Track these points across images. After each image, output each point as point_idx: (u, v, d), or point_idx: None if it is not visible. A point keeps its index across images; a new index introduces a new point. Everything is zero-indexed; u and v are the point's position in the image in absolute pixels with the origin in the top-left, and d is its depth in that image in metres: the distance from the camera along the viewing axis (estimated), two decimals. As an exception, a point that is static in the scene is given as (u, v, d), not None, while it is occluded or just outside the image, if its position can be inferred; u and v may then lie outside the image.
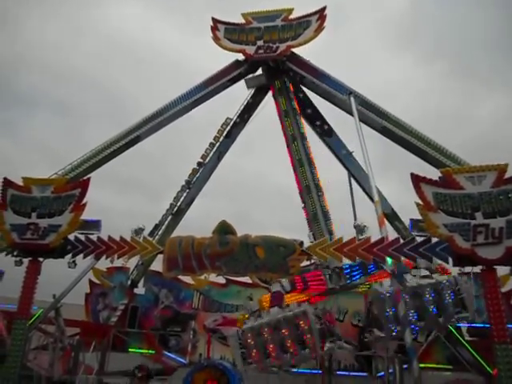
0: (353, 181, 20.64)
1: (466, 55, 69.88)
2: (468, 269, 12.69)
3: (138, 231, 16.06)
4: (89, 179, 14.11)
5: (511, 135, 57.74)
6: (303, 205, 20.12)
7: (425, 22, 71.43)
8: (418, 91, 64.62)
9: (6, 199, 13.43)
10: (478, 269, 11.75)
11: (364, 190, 19.14)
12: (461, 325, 17.29)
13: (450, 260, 11.67)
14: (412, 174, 11.73)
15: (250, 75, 21.29)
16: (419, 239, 12.14)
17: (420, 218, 11.81)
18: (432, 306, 12.55)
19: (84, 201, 13.42)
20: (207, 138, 22.77)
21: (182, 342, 21.52)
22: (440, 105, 65.44)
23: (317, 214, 19.45)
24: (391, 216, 18.93)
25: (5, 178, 13.90)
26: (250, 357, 12.62)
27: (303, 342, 12.87)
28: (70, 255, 13.65)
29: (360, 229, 15.36)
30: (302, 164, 20.17)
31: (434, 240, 11.77)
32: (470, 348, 15.53)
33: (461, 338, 16.49)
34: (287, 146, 20.77)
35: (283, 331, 12.91)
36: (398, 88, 67.15)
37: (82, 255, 13.62)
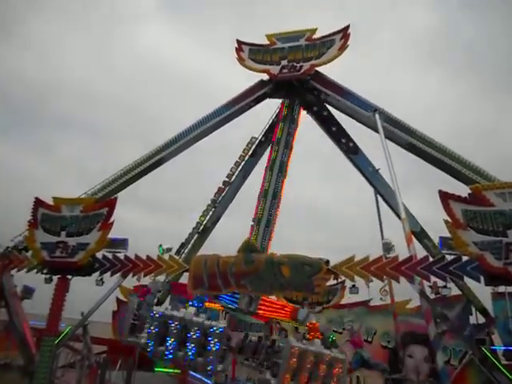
0: (380, 198, 20.34)
1: (495, 71, 68.86)
2: (502, 288, 12.27)
3: (167, 251, 16.33)
4: (116, 198, 14.41)
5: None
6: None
7: (453, 39, 70.94)
8: (446, 108, 63.83)
9: (37, 218, 13.86)
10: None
11: (391, 207, 18.79)
12: (496, 348, 16.63)
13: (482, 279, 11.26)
14: (440, 191, 11.47)
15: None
16: (449, 258, 11.79)
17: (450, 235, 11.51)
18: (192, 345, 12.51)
19: (111, 219, 13.68)
20: (233, 158, 22.98)
21: (207, 362, 21.32)
22: (467, 121, 64.41)
23: (261, 220, 19.32)
24: (420, 234, 18.47)
25: (36, 198, 14.35)
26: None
27: None
28: (97, 273, 13.90)
29: (388, 247, 15.09)
30: (272, 168, 20.12)
31: (465, 258, 11.41)
32: (507, 372, 14.83)
33: (496, 362, 15.81)
34: (271, 147, 20.81)
35: None
36: (425, 106, 66.44)
37: (109, 273, 13.84)
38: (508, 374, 14.86)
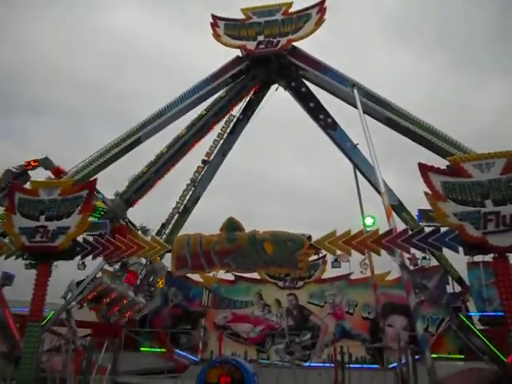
0: (358, 173, 20.53)
1: (467, 46, 69.69)
2: (477, 258, 12.67)
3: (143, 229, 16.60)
4: (95, 180, 14.12)
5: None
6: None
7: (425, 14, 71.08)
8: (418, 83, 64.49)
9: (14, 203, 13.44)
10: (488, 257, 11.69)
11: (370, 182, 19.04)
12: (472, 314, 17.32)
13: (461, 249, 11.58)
14: (420, 164, 11.59)
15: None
16: (427, 229, 12.04)
17: (427, 207, 11.72)
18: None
19: (91, 202, 13.41)
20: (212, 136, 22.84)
21: (192, 340, 21.61)
22: (440, 96, 65.32)
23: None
24: (398, 207, 18.85)
25: (11, 183, 13.93)
26: None
27: None
28: (79, 257, 13.71)
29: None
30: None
31: (444, 229, 11.67)
32: (482, 337, 15.50)
33: (472, 327, 16.48)
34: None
35: None
36: (398, 80, 66.83)
37: (91, 256, 13.66)
38: (483, 338, 15.55)
